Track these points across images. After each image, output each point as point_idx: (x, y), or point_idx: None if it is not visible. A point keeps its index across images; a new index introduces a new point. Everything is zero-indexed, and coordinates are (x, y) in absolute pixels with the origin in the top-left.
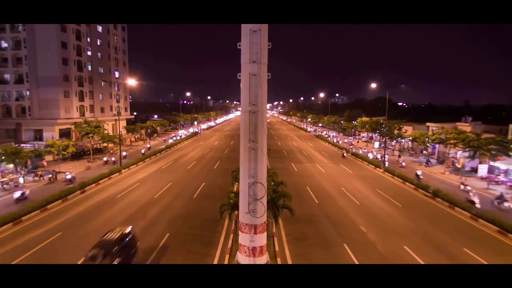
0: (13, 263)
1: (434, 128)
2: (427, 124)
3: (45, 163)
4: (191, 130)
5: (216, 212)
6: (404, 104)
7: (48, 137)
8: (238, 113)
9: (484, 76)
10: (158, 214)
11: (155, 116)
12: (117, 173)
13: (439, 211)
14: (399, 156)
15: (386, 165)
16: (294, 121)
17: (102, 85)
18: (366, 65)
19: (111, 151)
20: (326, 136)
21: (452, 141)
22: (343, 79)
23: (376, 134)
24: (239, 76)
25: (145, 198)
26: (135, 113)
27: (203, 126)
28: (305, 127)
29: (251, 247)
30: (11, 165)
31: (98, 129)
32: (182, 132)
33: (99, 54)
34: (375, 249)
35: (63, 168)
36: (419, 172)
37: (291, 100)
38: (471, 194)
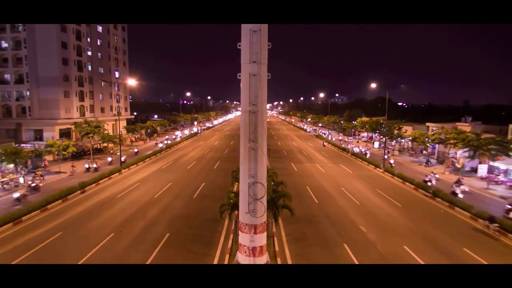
0: (13, 263)
1: (434, 128)
2: (427, 124)
3: (47, 163)
4: (186, 132)
5: (216, 212)
6: (404, 104)
7: (48, 137)
8: (238, 113)
9: (484, 76)
10: (158, 214)
11: (155, 116)
12: (117, 173)
13: (439, 211)
14: (389, 153)
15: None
16: (293, 121)
17: (102, 85)
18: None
19: (111, 151)
20: (322, 134)
21: (452, 141)
22: (343, 79)
23: (376, 134)
24: (239, 76)
25: (145, 198)
26: (135, 113)
27: (207, 124)
28: (305, 127)
29: (251, 247)
30: (12, 165)
31: (98, 129)
32: (178, 134)
33: (99, 54)
34: (375, 249)
35: (63, 168)
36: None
37: (291, 100)
38: (454, 186)
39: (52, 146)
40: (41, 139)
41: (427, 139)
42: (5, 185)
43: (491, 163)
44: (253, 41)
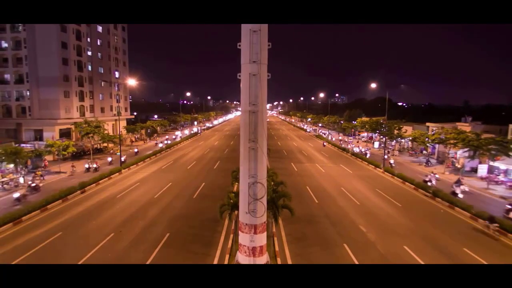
0: (13, 263)
1: (434, 128)
2: (427, 124)
3: (47, 163)
4: (186, 132)
5: (216, 212)
6: (404, 104)
7: (48, 137)
8: (238, 113)
9: (484, 76)
10: (158, 214)
11: (155, 116)
12: (117, 173)
13: (439, 211)
14: (389, 153)
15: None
16: (293, 121)
17: (102, 85)
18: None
19: (112, 151)
20: (322, 134)
21: (452, 141)
22: (343, 79)
23: (376, 134)
24: (239, 76)
25: (145, 198)
26: (135, 113)
27: (207, 124)
28: (305, 127)
29: (251, 247)
30: (11, 165)
31: (98, 129)
32: (178, 134)
33: (99, 54)
34: (375, 249)
35: (63, 168)
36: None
37: (291, 100)
38: (454, 186)
39: (52, 146)
40: (41, 139)
41: (427, 139)
42: (5, 185)
43: (491, 163)
44: (253, 41)
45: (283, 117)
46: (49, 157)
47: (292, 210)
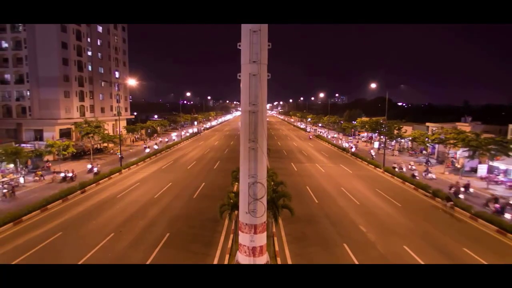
0: (13, 263)
1: (434, 128)
2: (427, 124)
3: (50, 165)
4: (182, 133)
5: (216, 212)
6: (404, 104)
7: (49, 137)
8: (238, 113)
9: (484, 76)
10: (158, 214)
11: (155, 116)
12: (117, 173)
13: (439, 211)
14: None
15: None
16: (293, 120)
17: (103, 85)
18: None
19: (111, 151)
20: (319, 132)
21: (451, 141)
22: (343, 79)
23: (376, 134)
24: (239, 76)
25: (145, 198)
26: (135, 113)
27: (204, 125)
28: (305, 127)
29: (251, 247)
30: (12, 165)
31: (98, 129)
32: (176, 134)
33: (99, 54)
34: (375, 249)
35: (63, 168)
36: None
37: (291, 100)
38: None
39: (52, 146)
40: (41, 139)
41: (427, 139)
42: (5, 185)
43: (491, 163)
44: (253, 41)
45: (282, 117)
46: (49, 157)
47: (292, 210)
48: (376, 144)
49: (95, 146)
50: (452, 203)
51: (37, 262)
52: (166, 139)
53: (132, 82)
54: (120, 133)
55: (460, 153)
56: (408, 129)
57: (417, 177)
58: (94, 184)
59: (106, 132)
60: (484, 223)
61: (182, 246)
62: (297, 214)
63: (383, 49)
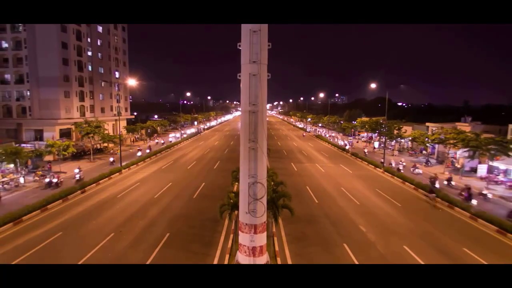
0: (13, 263)
1: (434, 128)
2: (427, 124)
3: (51, 166)
4: (177, 135)
5: (216, 212)
6: (404, 104)
7: (49, 137)
8: (238, 113)
9: (484, 76)
10: (158, 214)
11: (155, 116)
12: (117, 173)
13: (438, 211)
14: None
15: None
16: (292, 120)
17: (103, 85)
18: (366, 65)
19: (112, 151)
20: (318, 132)
21: (451, 141)
22: (343, 79)
23: (376, 134)
24: (239, 76)
25: (145, 198)
26: (135, 113)
27: (202, 126)
28: (304, 127)
29: (251, 247)
30: (12, 165)
31: (98, 129)
32: (173, 136)
33: (99, 54)
34: (375, 249)
35: (63, 168)
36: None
37: (291, 100)
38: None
39: (53, 146)
40: (41, 139)
41: (426, 139)
42: (5, 185)
43: (491, 163)
44: (253, 41)
45: (281, 117)
46: (49, 157)
47: (292, 210)
48: (376, 144)
49: (95, 146)
50: (434, 195)
51: (37, 262)
52: (162, 141)
53: (132, 82)
54: (120, 133)
55: (460, 153)
56: (408, 129)
57: (401, 171)
58: (94, 184)
59: (106, 132)
60: (484, 223)
61: (182, 246)
62: (297, 214)
63: (383, 49)
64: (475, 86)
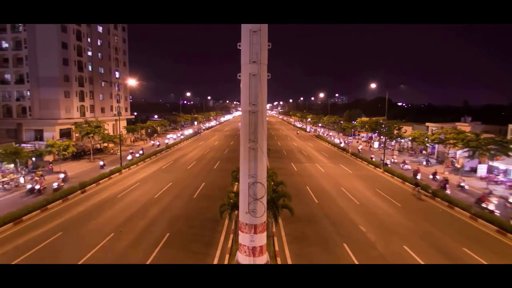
0: (13, 263)
1: (434, 128)
2: (427, 124)
3: (52, 168)
4: (174, 136)
5: (216, 212)
6: (404, 104)
7: (49, 137)
8: (238, 113)
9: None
10: (158, 214)
11: (156, 116)
12: (117, 173)
13: (438, 211)
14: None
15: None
16: (292, 120)
17: (103, 85)
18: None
19: (112, 151)
20: (318, 132)
21: (451, 141)
22: (343, 79)
23: (376, 134)
24: (239, 76)
25: (145, 198)
26: (135, 113)
27: (201, 126)
28: (302, 126)
29: (251, 246)
30: (12, 165)
31: (98, 129)
32: (171, 137)
33: (99, 54)
34: (375, 248)
35: (63, 168)
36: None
37: (291, 100)
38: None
39: (53, 146)
40: (41, 139)
41: (426, 139)
42: (5, 185)
43: (491, 163)
44: (253, 42)
45: (281, 117)
46: (49, 157)
47: (292, 210)
48: (376, 144)
49: (95, 146)
50: (419, 187)
51: (37, 262)
52: (158, 143)
53: (132, 82)
54: (120, 133)
55: (460, 153)
56: (408, 129)
57: (389, 165)
58: (94, 184)
59: (106, 132)
60: (484, 223)
61: (182, 246)
62: (297, 214)
63: (383, 49)
64: (475, 86)
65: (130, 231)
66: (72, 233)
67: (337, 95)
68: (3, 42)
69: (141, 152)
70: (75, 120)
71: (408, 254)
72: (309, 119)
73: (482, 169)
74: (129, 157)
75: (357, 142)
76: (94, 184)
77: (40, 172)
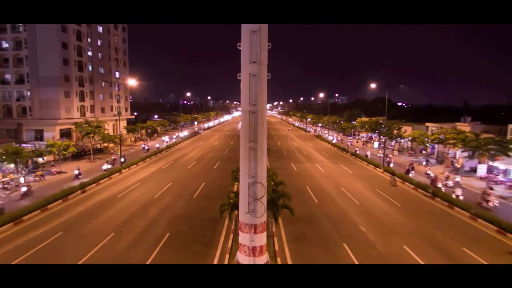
0: (13, 263)
1: (434, 128)
2: (427, 124)
3: (54, 170)
4: (167, 139)
5: (216, 212)
6: (404, 104)
7: (49, 137)
8: (238, 113)
9: (483, 76)
10: (158, 214)
11: (156, 116)
12: (118, 173)
13: (438, 211)
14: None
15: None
16: (291, 120)
17: (103, 85)
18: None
19: (112, 151)
20: (314, 130)
21: (451, 141)
22: (343, 79)
23: (376, 134)
24: (239, 76)
25: (145, 198)
26: (135, 113)
27: (201, 126)
28: (301, 126)
29: (251, 246)
30: (12, 165)
31: (98, 129)
32: (164, 139)
33: (99, 54)
34: (375, 248)
35: (63, 168)
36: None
37: (291, 100)
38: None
39: (53, 146)
40: (41, 139)
41: (426, 139)
42: (5, 185)
43: (490, 163)
44: (253, 42)
45: (280, 117)
46: (49, 157)
47: (292, 210)
48: (375, 144)
49: (96, 146)
50: (395, 176)
51: (37, 262)
52: (157, 145)
53: (132, 82)
54: (120, 133)
55: (459, 153)
56: (407, 129)
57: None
58: (94, 184)
59: (106, 132)
60: (484, 223)
61: (182, 246)
62: (297, 214)
63: (383, 49)
64: (475, 86)
65: (130, 231)
66: (72, 233)
67: (337, 95)
68: (3, 42)
69: (122, 160)
70: (75, 120)
71: (408, 254)
72: (309, 119)
73: (481, 169)
74: (104, 167)
75: (357, 142)
76: (94, 184)
77: (40, 172)
